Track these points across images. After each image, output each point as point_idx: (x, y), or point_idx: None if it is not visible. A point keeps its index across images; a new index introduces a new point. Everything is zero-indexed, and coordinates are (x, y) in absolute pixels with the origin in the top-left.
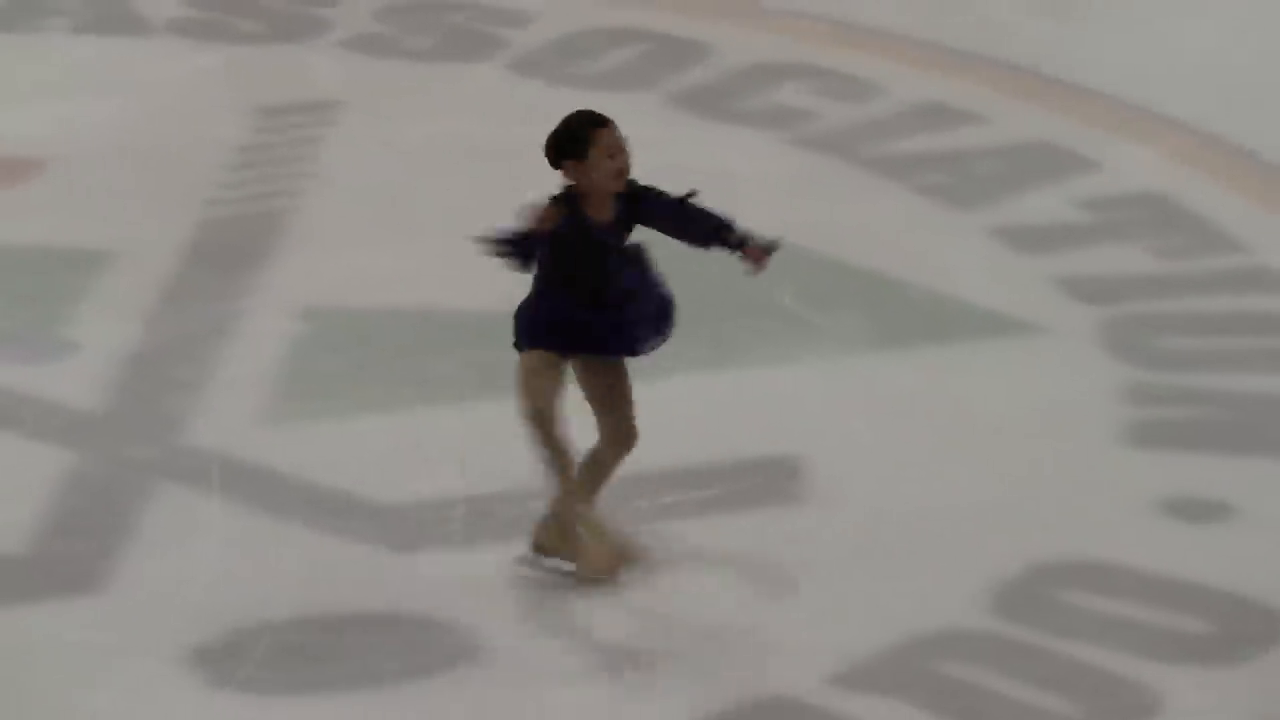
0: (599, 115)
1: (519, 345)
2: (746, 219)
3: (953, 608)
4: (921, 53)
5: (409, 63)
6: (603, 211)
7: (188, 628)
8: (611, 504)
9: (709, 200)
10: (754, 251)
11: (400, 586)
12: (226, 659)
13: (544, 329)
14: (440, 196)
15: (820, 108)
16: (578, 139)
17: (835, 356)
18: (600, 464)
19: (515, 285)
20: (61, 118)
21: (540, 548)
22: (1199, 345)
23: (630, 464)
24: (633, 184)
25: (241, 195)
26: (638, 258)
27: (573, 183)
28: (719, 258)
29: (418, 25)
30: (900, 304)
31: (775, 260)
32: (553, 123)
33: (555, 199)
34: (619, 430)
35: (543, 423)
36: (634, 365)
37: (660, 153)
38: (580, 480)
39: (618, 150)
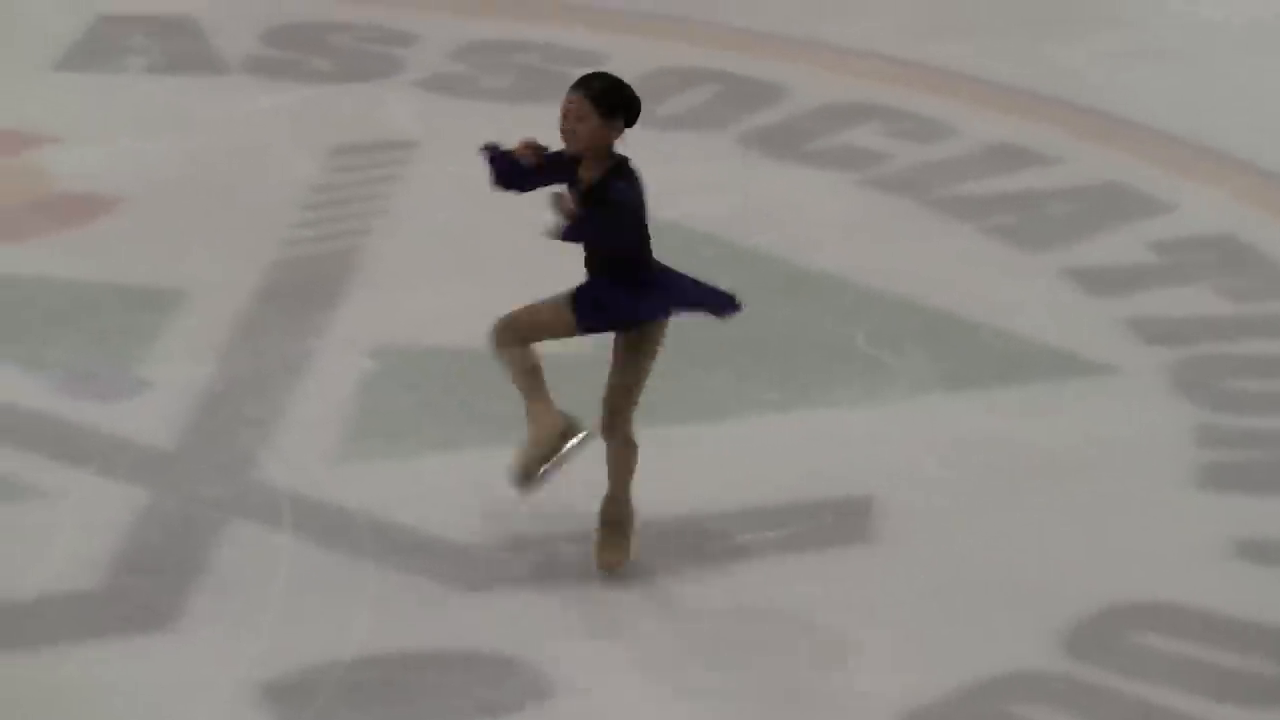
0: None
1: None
2: (817, 259)
3: (1024, 648)
4: (992, 94)
5: (483, 103)
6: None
7: (258, 665)
8: (683, 544)
9: (777, 244)
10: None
11: (471, 624)
12: (296, 697)
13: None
14: (512, 236)
15: (891, 148)
16: None
17: (906, 397)
18: None
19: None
20: (136, 156)
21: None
22: (1269, 387)
23: (702, 504)
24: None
25: (314, 234)
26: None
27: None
28: (794, 303)
29: (492, 65)
30: (971, 344)
31: (847, 301)
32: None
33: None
34: None
35: None
36: (703, 407)
37: (732, 193)
38: None
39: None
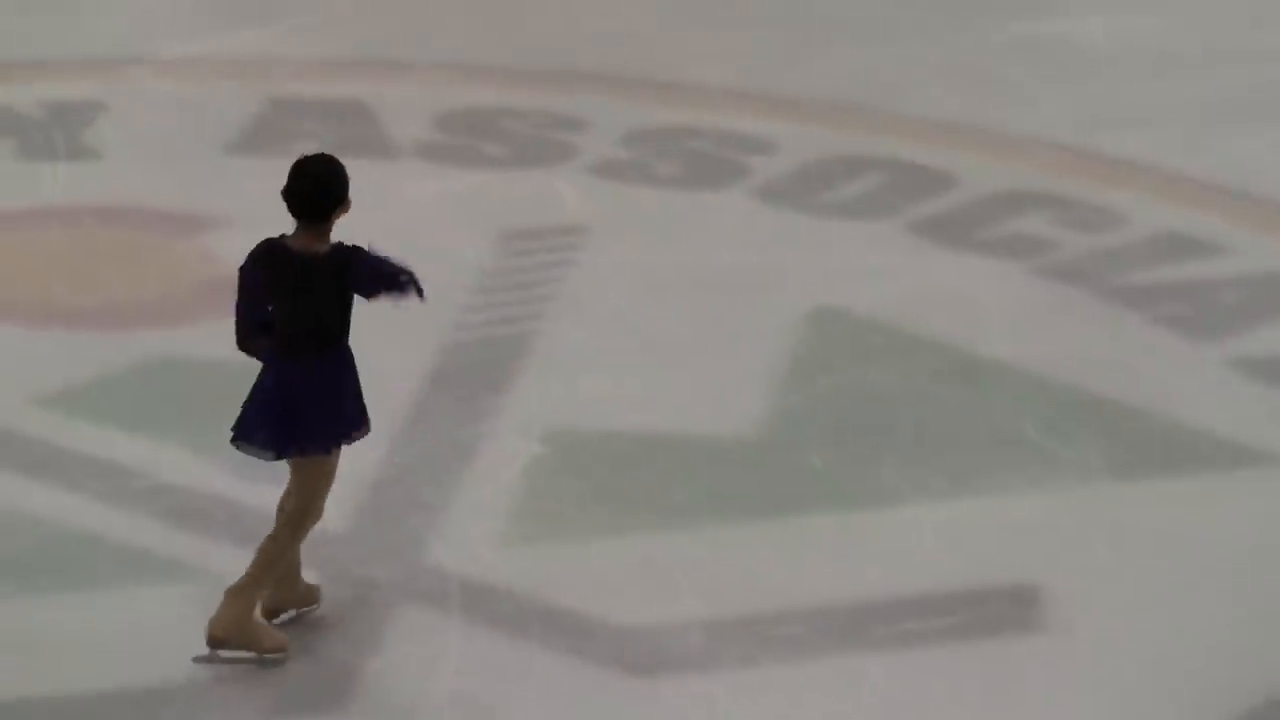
0: None
1: (327, 447)
2: (986, 348)
3: None
4: (1163, 183)
5: (655, 189)
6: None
7: None
8: (849, 630)
9: (946, 332)
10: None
11: (637, 709)
12: None
13: (355, 411)
14: (682, 322)
15: (1061, 237)
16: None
17: (1075, 486)
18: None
19: (757, 413)
20: None
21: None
22: None
23: (869, 591)
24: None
25: (484, 319)
26: None
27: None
28: (963, 391)
29: (663, 151)
30: (1140, 434)
31: (1015, 390)
32: (799, 250)
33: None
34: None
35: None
36: (871, 493)
37: (900, 281)
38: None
39: None
